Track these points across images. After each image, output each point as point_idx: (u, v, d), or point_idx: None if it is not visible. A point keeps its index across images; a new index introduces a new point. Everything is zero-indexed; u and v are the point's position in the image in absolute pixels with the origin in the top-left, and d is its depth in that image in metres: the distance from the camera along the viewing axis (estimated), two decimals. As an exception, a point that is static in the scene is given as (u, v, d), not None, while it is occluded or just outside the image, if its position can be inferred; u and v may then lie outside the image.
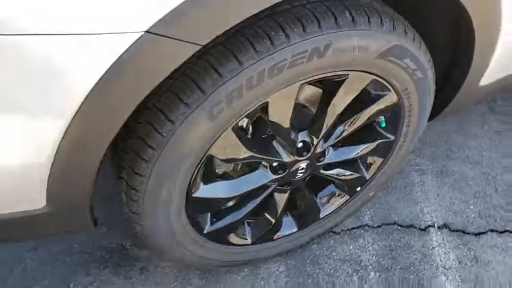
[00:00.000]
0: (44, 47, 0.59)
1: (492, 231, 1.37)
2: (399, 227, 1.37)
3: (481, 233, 1.36)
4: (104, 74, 0.61)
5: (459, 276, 1.26)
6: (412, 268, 1.27)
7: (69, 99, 0.64)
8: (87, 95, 0.63)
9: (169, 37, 0.60)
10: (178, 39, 0.61)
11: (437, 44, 0.96)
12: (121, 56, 0.60)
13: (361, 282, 1.24)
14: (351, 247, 1.31)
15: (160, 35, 0.59)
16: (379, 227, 1.37)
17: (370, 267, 1.27)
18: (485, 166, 1.53)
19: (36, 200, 0.75)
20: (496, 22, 0.91)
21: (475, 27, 0.89)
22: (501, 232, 1.37)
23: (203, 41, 0.63)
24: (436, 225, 1.37)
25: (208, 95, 0.72)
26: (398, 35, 0.84)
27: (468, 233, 1.36)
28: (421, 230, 1.36)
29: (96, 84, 0.62)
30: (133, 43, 0.59)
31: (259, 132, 0.93)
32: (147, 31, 0.58)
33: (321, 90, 0.93)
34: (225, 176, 1.00)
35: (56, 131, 0.66)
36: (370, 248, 1.31)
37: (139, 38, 0.58)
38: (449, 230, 1.37)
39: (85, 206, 0.82)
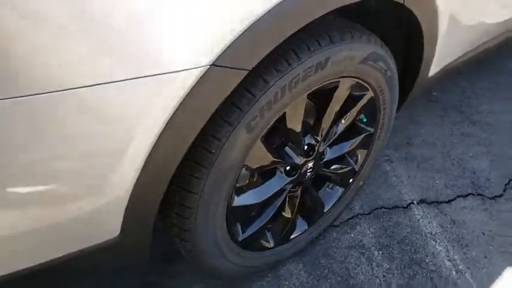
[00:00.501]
0: (120, 92, 0.71)
1: (459, 196, 1.63)
2: (386, 210, 1.58)
3: (451, 200, 1.61)
4: (177, 108, 0.74)
5: (444, 238, 1.48)
6: (406, 241, 1.47)
7: (145, 138, 0.75)
8: (160, 134, 0.75)
9: (228, 67, 0.75)
10: (235, 68, 0.76)
11: (393, 45, 1.20)
12: (191, 90, 0.73)
13: (369, 261, 1.41)
14: (352, 235, 1.49)
15: (222, 66, 0.74)
16: (369, 213, 1.57)
17: (372, 247, 1.45)
18: (439, 146, 1.82)
19: (112, 231, 0.84)
20: (435, 16, 1.17)
21: (421, 22, 1.14)
22: (465, 196, 1.63)
23: (250, 66, 0.79)
24: (415, 202, 1.60)
25: (246, 112, 0.87)
26: (372, 44, 1.06)
27: (441, 202, 1.60)
28: (404, 208, 1.58)
29: (170, 119, 0.74)
30: (201, 76, 0.73)
31: (274, 139, 1.09)
32: (212, 64, 0.73)
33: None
34: (248, 186, 1.13)
35: (135, 167, 0.77)
36: (368, 232, 1.50)
37: (206, 71, 0.73)
38: (426, 203, 1.60)
39: (148, 235, 0.91)
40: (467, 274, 1.37)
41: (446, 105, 2.04)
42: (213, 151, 0.88)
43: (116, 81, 0.68)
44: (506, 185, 1.67)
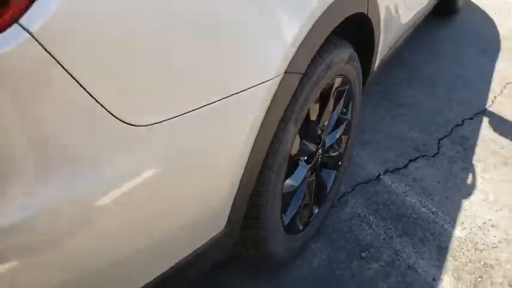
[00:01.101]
0: (234, 106, 0.88)
1: (410, 161, 2.04)
2: (364, 184, 1.91)
3: (406, 165, 2.02)
4: (266, 113, 0.95)
5: (414, 192, 1.86)
6: (388, 202, 1.82)
7: (248, 143, 0.94)
8: (256, 138, 0.95)
9: (294, 72, 0.99)
10: (297, 72, 1.00)
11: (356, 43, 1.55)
12: (274, 96, 0.95)
13: (369, 225, 1.71)
14: (347, 210, 1.79)
15: (291, 73, 0.98)
16: (353, 190, 1.88)
17: (367, 214, 1.76)
18: (383, 129, 2.24)
19: (220, 225, 1.00)
20: (379, 21, 1.55)
21: (374, 27, 1.51)
22: (415, 159, 2.05)
23: (304, 70, 1.04)
24: (381, 173, 1.97)
25: (293, 109, 1.12)
26: (349, 47, 1.39)
27: (400, 168, 2.00)
28: (376, 179, 1.94)
29: (262, 124, 0.94)
30: (279, 84, 0.95)
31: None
32: (285, 72, 0.96)
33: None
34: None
35: (242, 166, 0.96)
36: (358, 204, 1.81)
37: (282, 77, 0.95)
38: (390, 172, 1.98)
39: (240, 223, 1.08)
40: (439, 213, 1.76)
41: (379, 96, 2.50)
42: (277, 144, 1.10)
43: (232, 95, 0.86)
44: (438, 144, 2.15)
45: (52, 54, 0.56)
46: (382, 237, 1.66)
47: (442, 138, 2.20)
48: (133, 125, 0.68)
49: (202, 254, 0.99)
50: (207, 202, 0.94)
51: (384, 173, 1.97)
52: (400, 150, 2.10)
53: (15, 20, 0.52)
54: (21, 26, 0.53)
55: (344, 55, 1.33)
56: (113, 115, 0.65)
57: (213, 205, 0.96)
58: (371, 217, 1.75)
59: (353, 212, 1.77)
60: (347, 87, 1.50)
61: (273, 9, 0.90)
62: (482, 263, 1.55)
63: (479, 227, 1.70)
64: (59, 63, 0.57)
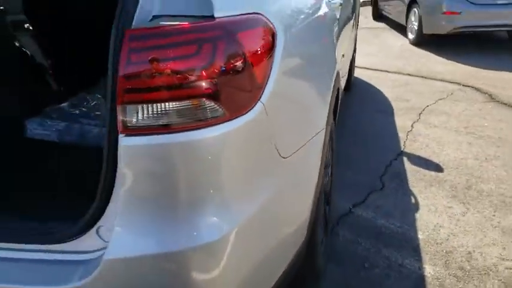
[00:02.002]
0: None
1: (367, 195, 2.65)
2: (344, 217, 2.44)
3: (365, 199, 2.62)
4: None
5: (380, 216, 2.44)
6: (366, 225, 2.36)
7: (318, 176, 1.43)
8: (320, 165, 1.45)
9: (327, 124, 1.54)
10: (328, 124, 1.56)
11: None
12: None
13: (359, 244, 2.22)
14: (340, 237, 2.28)
15: (327, 125, 1.52)
16: (338, 223, 2.40)
17: (354, 237, 2.27)
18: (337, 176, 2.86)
19: (303, 234, 1.41)
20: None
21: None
22: (370, 194, 2.67)
23: (329, 123, 1.60)
24: (351, 207, 2.53)
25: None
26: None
27: (363, 201, 2.59)
28: (350, 212, 2.49)
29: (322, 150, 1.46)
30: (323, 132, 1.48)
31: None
32: (326, 124, 1.50)
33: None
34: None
35: (317, 185, 1.42)
36: (345, 232, 2.32)
37: (325, 128, 1.49)
38: (357, 205, 2.55)
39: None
40: (403, 225, 2.35)
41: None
42: (323, 176, 1.60)
43: (313, 136, 1.37)
44: (381, 181, 2.82)
45: (270, 128, 1.03)
46: (372, 250, 2.17)
47: (382, 176, 2.88)
48: (282, 157, 1.13)
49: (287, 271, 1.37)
50: (298, 218, 1.37)
51: (353, 207, 2.54)
52: (356, 189, 2.71)
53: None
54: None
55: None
56: (280, 155, 1.10)
57: (300, 221, 1.39)
58: (358, 239, 2.26)
59: (344, 238, 2.27)
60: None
61: (325, 83, 1.49)
62: (444, 251, 2.14)
63: (432, 229, 2.32)
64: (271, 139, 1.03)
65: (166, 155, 0.86)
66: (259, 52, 0.94)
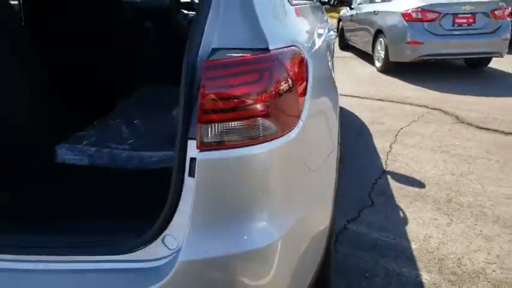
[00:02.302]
0: None
1: (359, 212, 2.83)
2: (340, 233, 2.59)
3: (358, 215, 2.79)
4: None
5: (374, 230, 2.61)
6: (362, 240, 2.52)
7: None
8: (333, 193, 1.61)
9: (339, 143, 1.71)
10: (339, 143, 1.72)
11: None
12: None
13: (358, 257, 2.36)
14: (340, 252, 2.42)
15: (339, 144, 1.69)
16: (336, 239, 2.54)
17: (353, 251, 2.42)
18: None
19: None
20: None
21: None
22: (362, 210, 2.85)
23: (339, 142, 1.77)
24: (346, 223, 2.69)
25: None
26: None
27: (356, 218, 2.75)
28: (345, 228, 2.64)
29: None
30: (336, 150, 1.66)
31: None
32: (338, 143, 1.67)
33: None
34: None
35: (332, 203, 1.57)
36: (344, 247, 2.46)
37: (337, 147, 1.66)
38: (351, 221, 2.71)
39: None
40: (396, 238, 2.52)
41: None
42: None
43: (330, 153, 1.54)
44: (370, 197, 3.00)
45: (305, 143, 1.19)
46: (370, 261, 2.32)
47: (370, 193, 3.07)
48: (311, 170, 1.27)
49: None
50: (322, 226, 1.50)
51: (348, 223, 2.69)
52: (348, 207, 2.88)
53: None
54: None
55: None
56: (309, 168, 1.24)
57: (323, 229, 1.52)
58: (356, 252, 2.41)
59: (343, 252, 2.41)
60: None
61: (335, 103, 1.67)
62: (436, 258, 2.32)
63: (423, 239, 2.50)
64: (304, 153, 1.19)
65: (232, 167, 0.99)
66: (299, 76, 1.10)
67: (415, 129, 4.44)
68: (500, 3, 6.58)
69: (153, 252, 1.03)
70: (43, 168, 1.49)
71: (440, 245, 2.44)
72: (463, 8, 6.39)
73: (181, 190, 1.00)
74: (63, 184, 1.29)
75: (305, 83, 1.15)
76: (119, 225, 1.14)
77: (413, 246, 2.44)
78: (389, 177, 3.33)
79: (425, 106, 5.28)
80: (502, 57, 6.84)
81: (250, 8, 1.03)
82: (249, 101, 0.97)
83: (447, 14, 6.39)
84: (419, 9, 6.43)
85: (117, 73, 1.99)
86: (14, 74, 1.46)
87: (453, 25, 6.45)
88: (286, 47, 1.08)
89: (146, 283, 0.99)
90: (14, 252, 1.02)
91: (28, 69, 1.45)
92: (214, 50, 1.00)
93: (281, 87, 1.01)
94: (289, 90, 1.04)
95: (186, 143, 0.98)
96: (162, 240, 1.03)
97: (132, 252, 1.02)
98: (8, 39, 1.43)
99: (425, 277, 2.17)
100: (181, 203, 1.01)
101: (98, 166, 1.52)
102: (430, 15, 6.39)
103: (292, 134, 1.07)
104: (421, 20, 6.44)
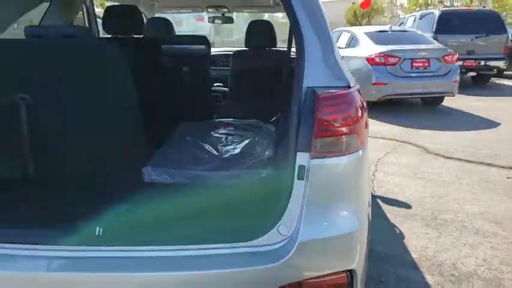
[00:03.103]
0: None
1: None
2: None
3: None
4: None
5: (380, 244, 2.99)
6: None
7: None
8: None
9: None
10: None
11: None
12: None
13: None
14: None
15: None
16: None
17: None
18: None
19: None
20: None
21: None
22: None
23: None
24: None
25: None
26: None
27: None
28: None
29: None
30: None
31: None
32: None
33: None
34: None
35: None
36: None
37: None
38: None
39: None
40: (397, 251, 2.91)
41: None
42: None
43: None
44: (368, 217, 3.40)
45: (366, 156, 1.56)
46: (382, 270, 2.68)
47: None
48: (366, 179, 1.64)
49: None
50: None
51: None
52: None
53: None
54: None
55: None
56: (367, 178, 1.62)
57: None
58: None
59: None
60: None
61: None
62: (435, 264, 2.72)
63: (420, 250, 2.91)
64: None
65: (332, 171, 1.36)
66: (364, 108, 1.50)
67: (392, 160, 4.97)
68: (449, 50, 7.53)
69: (271, 238, 1.35)
70: (148, 186, 1.77)
71: (436, 253, 2.85)
72: (419, 53, 7.26)
73: (291, 190, 1.34)
74: (178, 199, 1.57)
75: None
76: (241, 223, 1.46)
77: (414, 255, 2.83)
78: (379, 200, 3.76)
79: (395, 139, 5.88)
80: (454, 96, 7.73)
81: (333, 60, 1.46)
82: (343, 123, 1.35)
83: (406, 58, 7.22)
84: (382, 54, 7.22)
85: (164, 108, 2.32)
86: (116, 106, 1.75)
87: (411, 68, 7.27)
88: (355, 89, 1.48)
89: (267, 261, 1.32)
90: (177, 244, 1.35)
91: (127, 100, 1.75)
92: (310, 88, 1.38)
93: (359, 114, 1.41)
94: (362, 116, 1.43)
95: (296, 155, 1.34)
96: (277, 229, 1.35)
97: (256, 239, 1.35)
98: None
99: (429, 279, 2.55)
100: (291, 200, 1.34)
101: (181, 184, 1.80)
102: (392, 60, 7.19)
103: (360, 152, 1.45)
104: (383, 64, 7.21)
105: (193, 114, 2.46)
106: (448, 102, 8.25)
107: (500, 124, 6.77)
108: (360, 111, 1.42)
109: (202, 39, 2.92)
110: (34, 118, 1.73)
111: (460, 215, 3.45)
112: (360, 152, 1.44)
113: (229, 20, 4.25)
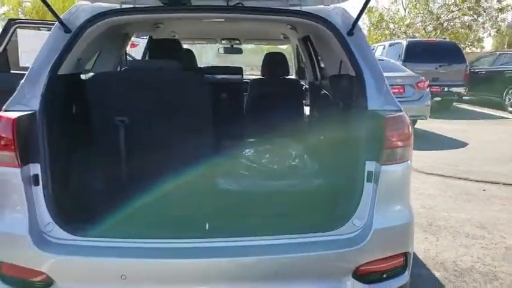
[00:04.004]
0: None
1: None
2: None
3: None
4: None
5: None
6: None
7: None
8: None
9: None
10: None
11: None
12: None
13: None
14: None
15: None
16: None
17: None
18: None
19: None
20: None
21: None
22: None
23: None
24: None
25: None
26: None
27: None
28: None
29: None
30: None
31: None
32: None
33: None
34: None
35: None
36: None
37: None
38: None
39: None
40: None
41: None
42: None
43: None
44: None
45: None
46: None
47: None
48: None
49: None
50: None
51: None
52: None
53: None
54: None
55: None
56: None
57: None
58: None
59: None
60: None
61: None
62: (439, 263, 3.17)
63: (423, 251, 3.35)
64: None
65: (393, 175, 1.78)
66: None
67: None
68: (421, 77, 8.29)
69: (348, 228, 1.75)
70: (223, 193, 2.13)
71: (437, 254, 3.31)
72: (396, 80, 7.95)
73: (362, 191, 1.75)
74: (271, 202, 1.97)
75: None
76: (325, 218, 1.86)
77: (420, 256, 3.27)
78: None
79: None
80: (426, 119, 8.45)
81: (386, 89, 1.89)
82: (400, 138, 1.79)
83: (384, 85, 7.88)
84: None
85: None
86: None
87: (389, 94, 7.93)
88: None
89: (347, 245, 1.74)
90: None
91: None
92: (371, 110, 1.82)
93: (410, 132, 1.85)
94: (411, 133, 1.87)
95: (365, 163, 1.76)
96: (352, 221, 1.75)
97: (335, 230, 1.74)
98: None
99: (437, 274, 3.00)
100: (362, 198, 1.75)
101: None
102: (370, 86, 7.82)
103: (409, 160, 1.89)
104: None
105: (231, 133, 2.84)
106: (420, 125, 8.98)
107: (468, 144, 7.51)
108: (410, 129, 1.86)
109: (237, 69, 3.32)
110: (130, 137, 2.05)
111: (450, 222, 3.95)
112: (409, 161, 1.87)
113: (239, 51, 4.69)
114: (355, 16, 1.98)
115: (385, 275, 1.80)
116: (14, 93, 1.76)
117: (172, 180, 2.05)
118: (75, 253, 1.62)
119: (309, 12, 1.99)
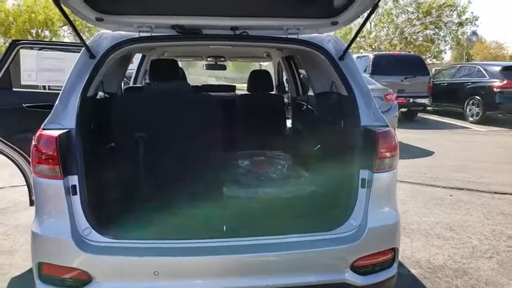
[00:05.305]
0: None
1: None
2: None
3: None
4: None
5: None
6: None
7: None
8: None
9: None
10: None
11: None
12: None
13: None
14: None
15: None
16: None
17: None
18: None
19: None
20: None
21: None
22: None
23: None
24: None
25: None
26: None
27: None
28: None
29: None
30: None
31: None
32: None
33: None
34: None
35: None
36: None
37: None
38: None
39: None
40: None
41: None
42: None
43: None
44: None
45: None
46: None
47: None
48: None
49: None
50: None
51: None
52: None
53: None
54: None
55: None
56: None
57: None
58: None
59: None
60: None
61: None
62: (414, 261, 3.49)
63: (400, 251, 3.67)
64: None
65: (383, 181, 2.06)
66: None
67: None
68: (389, 90, 8.79)
69: (344, 228, 2.02)
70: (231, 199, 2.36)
71: (413, 254, 3.64)
72: (366, 93, 8.39)
73: (357, 195, 2.03)
74: (279, 206, 2.21)
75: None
76: (324, 219, 2.12)
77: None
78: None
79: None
80: (394, 130, 8.94)
81: (374, 106, 2.18)
82: (388, 149, 2.08)
83: (355, 97, 8.31)
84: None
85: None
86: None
87: (360, 105, 8.37)
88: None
89: (345, 242, 2.00)
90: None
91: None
92: (363, 126, 2.10)
93: (396, 144, 2.14)
94: (397, 145, 2.17)
95: (359, 171, 2.04)
96: (349, 222, 2.02)
97: (335, 229, 2.00)
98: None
99: (413, 271, 3.31)
100: (357, 202, 2.03)
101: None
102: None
103: (396, 169, 2.18)
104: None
105: (230, 146, 3.10)
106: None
107: (434, 153, 8.03)
108: (396, 142, 2.16)
109: (231, 87, 3.62)
110: (148, 151, 2.26)
111: (422, 225, 4.31)
112: (396, 169, 2.17)
113: (223, 67, 4.97)
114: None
115: (377, 268, 2.09)
116: (50, 114, 1.95)
117: (190, 189, 2.27)
118: (111, 253, 1.82)
119: (306, 41, 2.26)
